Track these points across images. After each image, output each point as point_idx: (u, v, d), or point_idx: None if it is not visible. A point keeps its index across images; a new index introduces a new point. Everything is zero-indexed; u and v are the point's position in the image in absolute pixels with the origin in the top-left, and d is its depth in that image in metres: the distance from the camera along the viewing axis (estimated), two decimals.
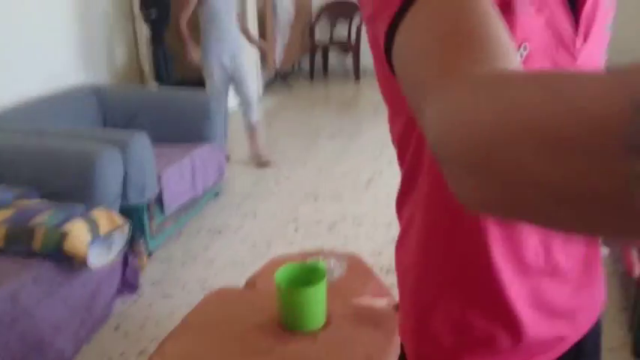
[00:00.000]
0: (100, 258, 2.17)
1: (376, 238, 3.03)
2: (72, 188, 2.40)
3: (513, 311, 0.70)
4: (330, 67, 7.06)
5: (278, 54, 6.09)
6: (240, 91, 3.89)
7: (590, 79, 0.31)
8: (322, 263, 1.66)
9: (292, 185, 3.78)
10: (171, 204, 2.91)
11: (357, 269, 1.87)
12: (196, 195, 3.18)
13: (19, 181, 2.45)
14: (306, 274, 1.56)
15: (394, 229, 3.11)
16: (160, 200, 2.86)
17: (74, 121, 3.20)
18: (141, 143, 2.62)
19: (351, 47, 6.72)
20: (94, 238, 2.12)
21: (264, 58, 4.38)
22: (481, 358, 0.73)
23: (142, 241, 2.74)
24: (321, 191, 3.67)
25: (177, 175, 2.96)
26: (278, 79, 6.54)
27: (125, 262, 2.47)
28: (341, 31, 6.88)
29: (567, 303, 0.75)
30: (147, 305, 2.52)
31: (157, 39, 3.89)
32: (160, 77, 3.95)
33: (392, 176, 3.87)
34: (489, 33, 0.46)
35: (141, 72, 4.08)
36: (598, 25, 0.69)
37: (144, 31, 4.01)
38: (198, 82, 4.93)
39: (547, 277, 0.72)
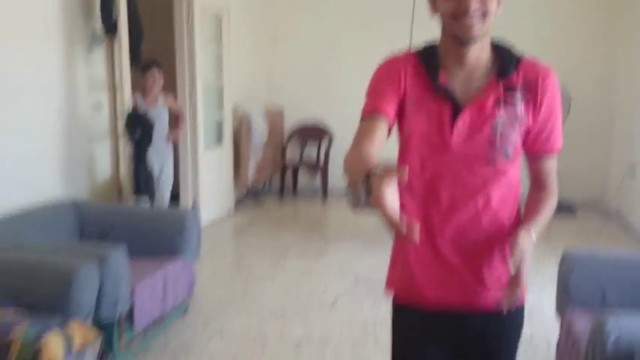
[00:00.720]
0: None
1: (341, 358, 3.10)
2: (49, 301, 2.45)
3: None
4: (299, 186, 7.35)
5: (250, 172, 6.35)
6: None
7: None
8: None
9: (259, 303, 3.86)
10: (141, 320, 2.95)
11: None
12: (166, 311, 3.23)
13: None
14: None
15: (359, 349, 3.19)
16: (130, 315, 2.90)
17: (52, 232, 3.27)
18: (119, 259, 2.71)
19: (319, 167, 7.06)
20: (67, 353, 2.16)
21: (175, 121, 4.82)
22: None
23: (110, 358, 2.75)
24: (288, 309, 3.75)
25: (150, 290, 3.03)
26: (249, 196, 6.76)
27: None
28: (310, 152, 7.26)
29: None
30: None
31: (139, 157, 4.10)
32: (138, 190, 4.13)
33: (357, 296, 3.99)
34: (368, 134, 1.39)
35: (120, 188, 4.25)
36: (474, 128, 1.42)
37: (125, 148, 4.22)
38: (173, 197, 5.11)
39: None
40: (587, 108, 6.42)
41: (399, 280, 1.57)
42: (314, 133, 7.22)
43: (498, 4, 1.38)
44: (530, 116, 1.43)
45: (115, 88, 4.17)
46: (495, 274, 1.49)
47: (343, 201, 6.85)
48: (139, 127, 4.01)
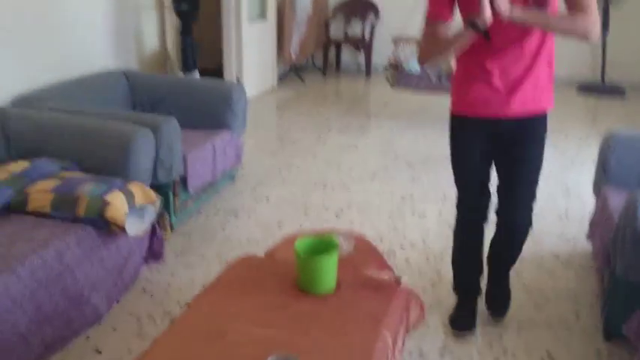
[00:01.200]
0: (135, 227, 2.44)
1: (379, 225, 3.30)
2: (109, 164, 2.66)
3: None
4: (342, 63, 7.31)
5: (294, 47, 6.33)
6: None
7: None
8: (335, 237, 1.92)
9: (302, 174, 4.05)
10: (194, 184, 3.18)
11: (364, 247, 2.14)
12: (216, 177, 3.45)
13: (61, 156, 2.72)
14: (321, 246, 1.83)
15: (396, 219, 3.38)
16: (184, 180, 3.12)
17: (105, 100, 3.45)
18: (172, 127, 2.88)
19: (363, 45, 6.96)
20: (130, 209, 2.39)
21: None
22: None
23: (166, 216, 3.01)
24: (330, 181, 3.93)
25: (201, 158, 3.23)
26: (292, 71, 6.79)
27: (153, 233, 2.74)
28: (355, 29, 7.12)
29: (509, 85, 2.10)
30: (170, 273, 2.79)
31: (186, 30, 4.15)
32: (187, 65, 4.21)
33: (396, 171, 4.13)
34: (435, 35, 2.14)
35: (166, 60, 4.34)
36: None
37: (172, 21, 4.26)
38: (218, 72, 5.20)
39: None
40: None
41: (460, 100, 2.24)
42: (359, 9, 7.04)
43: None
44: None
45: None
46: (523, 96, 2.12)
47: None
48: (185, 1, 4.01)
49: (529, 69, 2.08)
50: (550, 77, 2.15)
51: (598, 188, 2.88)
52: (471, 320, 2.38)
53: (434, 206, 3.55)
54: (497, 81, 2.10)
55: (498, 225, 2.32)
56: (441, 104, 5.73)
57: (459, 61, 2.20)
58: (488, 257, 2.44)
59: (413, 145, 4.68)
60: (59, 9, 3.41)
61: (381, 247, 2.96)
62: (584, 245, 3.01)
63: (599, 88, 6.24)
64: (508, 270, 2.44)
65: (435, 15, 2.06)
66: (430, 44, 2.09)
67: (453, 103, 2.27)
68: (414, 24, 5.27)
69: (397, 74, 5.06)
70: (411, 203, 3.59)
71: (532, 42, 2.05)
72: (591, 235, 2.85)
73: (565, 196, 3.71)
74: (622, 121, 5.36)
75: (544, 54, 2.08)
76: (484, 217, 2.39)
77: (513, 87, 2.10)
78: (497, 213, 2.31)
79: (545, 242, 3.10)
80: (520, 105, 2.11)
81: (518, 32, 2.02)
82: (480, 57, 2.10)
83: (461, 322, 2.37)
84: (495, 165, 2.29)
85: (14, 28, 3.10)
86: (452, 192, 3.72)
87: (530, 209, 2.26)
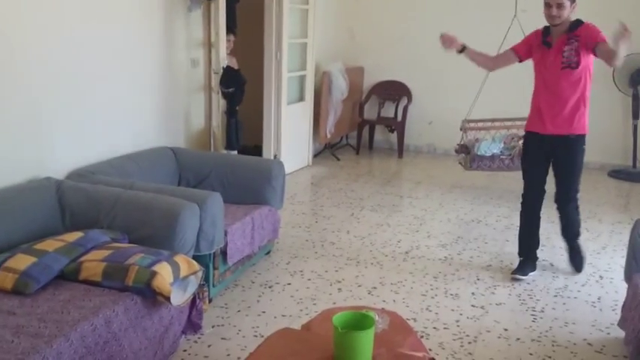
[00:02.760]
0: (178, 297, 2.55)
1: (412, 305, 3.34)
2: (157, 236, 2.82)
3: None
4: (375, 142, 7.54)
5: (329, 127, 6.59)
6: None
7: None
8: (372, 313, 2.01)
9: (336, 250, 4.15)
10: (233, 256, 3.31)
11: (398, 325, 2.20)
12: (253, 250, 3.58)
13: (112, 226, 2.90)
14: (358, 321, 1.91)
15: (429, 299, 3.42)
16: (223, 252, 3.26)
17: (153, 176, 3.66)
18: (216, 202, 3.05)
19: (396, 126, 7.20)
20: (175, 280, 2.52)
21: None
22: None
23: (205, 287, 3.12)
24: (363, 258, 4.02)
25: (241, 232, 3.37)
26: (327, 149, 7.03)
27: (192, 304, 2.84)
28: (388, 110, 7.40)
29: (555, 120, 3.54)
30: (207, 345, 2.87)
31: (231, 111, 4.42)
32: (230, 143, 4.46)
33: (428, 250, 4.20)
34: (501, 54, 3.92)
35: (212, 138, 4.60)
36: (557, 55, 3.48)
37: (218, 103, 4.55)
38: (256, 150, 5.45)
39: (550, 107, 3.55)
40: None
41: (529, 120, 3.68)
42: (392, 92, 7.33)
43: (571, 7, 3.38)
44: (582, 45, 3.37)
45: (211, 47, 4.48)
46: (569, 118, 3.48)
47: (418, 158, 7.00)
48: (233, 83, 4.30)
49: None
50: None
51: (629, 275, 2.90)
52: (527, 271, 3.73)
53: (466, 287, 3.59)
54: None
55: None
56: (476, 184, 5.86)
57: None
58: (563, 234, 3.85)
59: (444, 224, 4.76)
60: (115, 90, 3.70)
61: (414, 327, 2.99)
62: (617, 333, 3.00)
63: (631, 173, 6.28)
64: (576, 239, 3.83)
65: (515, 46, 3.69)
66: (482, 57, 3.76)
67: (527, 122, 3.74)
68: (477, 110, 5.46)
69: (469, 157, 5.27)
70: (444, 283, 3.64)
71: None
72: (623, 322, 2.85)
73: (598, 282, 3.71)
74: None
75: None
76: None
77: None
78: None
79: (578, 331, 3.10)
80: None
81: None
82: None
83: (521, 270, 3.72)
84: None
85: (71, 106, 3.37)
86: (485, 274, 3.76)
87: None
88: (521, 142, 4.86)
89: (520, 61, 3.67)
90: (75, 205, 3.02)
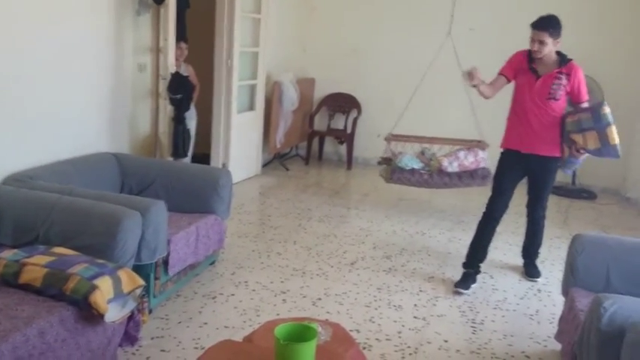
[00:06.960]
0: (114, 314, 2.46)
1: (355, 316, 3.36)
2: (96, 244, 2.73)
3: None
4: (324, 154, 7.57)
5: (279, 137, 6.58)
6: None
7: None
8: (314, 325, 2.00)
9: (282, 260, 4.12)
10: (175, 266, 3.24)
11: (341, 337, 2.20)
12: (197, 260, 3.51)
13: (49, 234, 2.79)
14: (300, 333, 1.90)
15: (372, 310, 3.44)
16: (165, 262, 3.19)
17: (95, 180, 3.55)
18: (159, 210, 2.99)
19: (345, 137, 7.25)
20: (116, 296, 2.44)
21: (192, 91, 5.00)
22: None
23: (146, 298, 3.03)
24: (309, 268, 4.01)
25: (184, 241, 3.31)
26: (276, 160, 7.01)
27: (130, 317, 2.75)
28: (338, 122, 7.45)
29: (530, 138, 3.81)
30: (145, 357, 2.79)
31: (178, 118, 4.35)
32: (177, 151, 4.39)
33: (374, 261, 4.23)
34: (492, 82, 3.86)
35: (158, 145, 4.51)
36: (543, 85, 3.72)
37: (165, 109, 4.47)
38: (205, 158, 5.38)
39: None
40: (612, 98, 6.47)
41: (507, 139, 3.88)
42: (343, 104, 7.39)
43: (553, 44, 3.61)
44: (569, 85, 3.68)
45: (160, 52, 4.40)
46: (547, 142, 3.74)
47: (366, 170, 7.06)
48: (181, 90, 4.24)
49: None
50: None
51: (566, 289, 3.00)
52: (470, 284, 3.83)
53: (409, 298, 3.64)
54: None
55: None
56: (421, 197, 5.96)
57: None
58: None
59: (390, 236, 4.81)
60: (57, 93, 3.58)
61: (358, 340, 3.01)
62: (555, 345, 3.09)
63: (571, 190, 6.53)
64: (534, 259, 4.17)
65: (503, 70, 3.81)
66: (487, 86, 3.75)
67: (503, 140, 3.98)
68: (403, 123, 5.60)
69: (390, 169, 5.29)
70: (388, 294, 3.67)
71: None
72: (559, 335, 2.94)
73: (536, 295, 3.83)
74: (592, 223, 5.59)
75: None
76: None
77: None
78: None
79: (516, 343, 3.18)
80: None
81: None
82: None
83: (464, 283, 3.81)
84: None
85: (10, 108, 3.24)
86: (427, 286, 3.82)
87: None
88: (443, 160, 5.14)
89: (509, 82, 3.82)
90: (10, 210, 2.90)
